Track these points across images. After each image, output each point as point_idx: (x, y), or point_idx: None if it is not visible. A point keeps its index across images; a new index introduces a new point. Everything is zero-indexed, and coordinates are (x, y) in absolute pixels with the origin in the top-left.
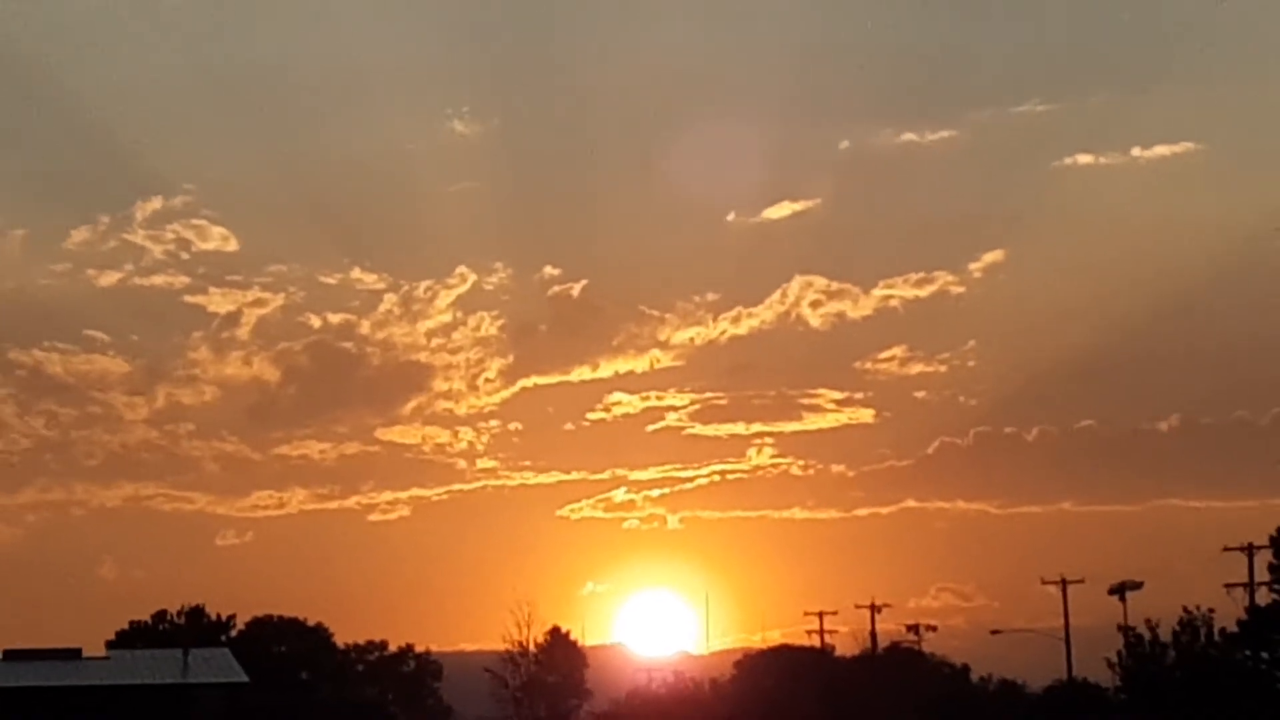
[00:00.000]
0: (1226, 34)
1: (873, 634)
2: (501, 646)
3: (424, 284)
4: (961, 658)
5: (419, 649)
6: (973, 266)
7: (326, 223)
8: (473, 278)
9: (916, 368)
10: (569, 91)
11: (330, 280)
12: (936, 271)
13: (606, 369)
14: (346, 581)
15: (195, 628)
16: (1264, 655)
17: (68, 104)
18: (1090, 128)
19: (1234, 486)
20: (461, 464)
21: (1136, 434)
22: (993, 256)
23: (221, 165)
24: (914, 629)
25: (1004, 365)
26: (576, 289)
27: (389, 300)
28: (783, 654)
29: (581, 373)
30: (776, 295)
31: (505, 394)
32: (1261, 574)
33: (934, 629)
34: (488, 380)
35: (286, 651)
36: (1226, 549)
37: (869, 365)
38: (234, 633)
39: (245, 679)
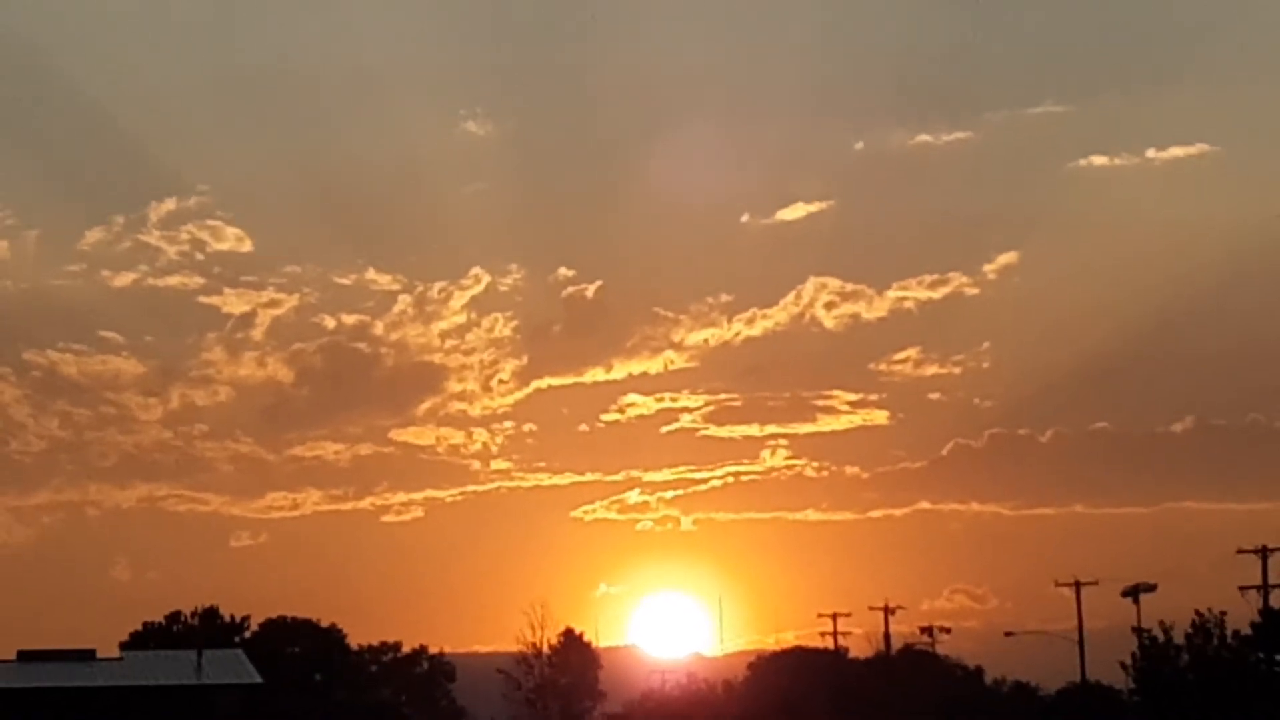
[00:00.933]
0: (1242, 35)
1: (886, 636)
2: (515, 648)
3: (438, 285)
4: (975, 660)
5: (432, 650)
6: (987, 268)
7: (341, 224)
8: (487, 279)
9: (931, 369)
10: (583, 92)
11: (345, 281)
12: (951, 273)
13: (620, 370)
14: (360, 583)
15: (209, 629)
16: (1277, 658)
17: (82, 105)
18: (1105, 129)
19: (1248, 489)
20: (475, 465)
21: (1150, 436)
22: (1007, 258)
23: (236, 166)
24: (928, 631)
25: (1018, 367)
26: (591, 290)
27: (403, 301)
28: (796, 656)
29: (595, 374)
30: (791, 297)
31: (519, 395)
32: (1275, 576)
33: (948, 631)
34: (502, 381)
35: (300, 653)
36: (1240, 551)
37: (883, 367)
38: (248, 634)
39: (259, 680)
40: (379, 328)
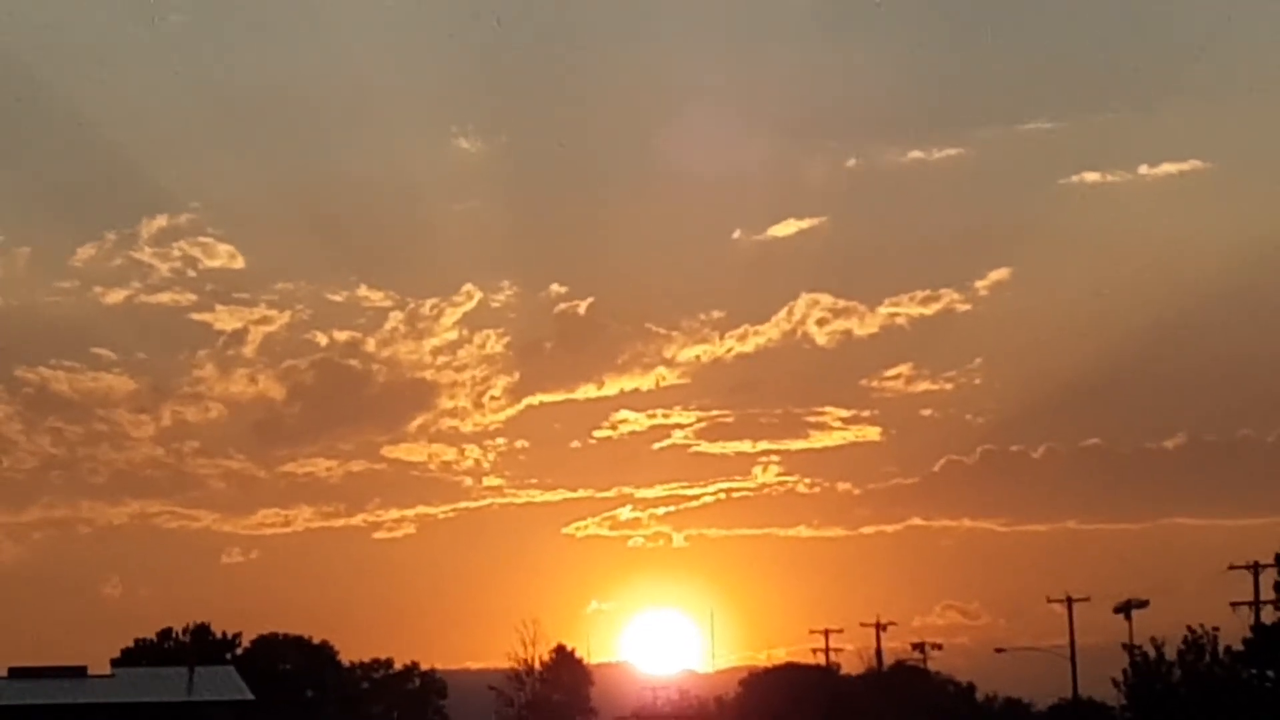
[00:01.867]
0: (1234, 52)
1: (878, 652)
2: (507, 664)
3: (430, 301)
4: (967, 676)
5: (424, 667)
6: (979, 284)
7: (333, 240)
8: (479, 295)
9: (922, 386)
10: (574, 108)
11: (336, 298)
12: (943, 289)
13: (612, 387)
14: (352, 599)
15: (201, 646)
16: (1269, 674)
17: (74, 121)
18: (1097, 145)
19: (1239, 505)
20: (467, 482)
21: (1142, 452)
22: (999, 274)
23: (227, 183)
24: (919, 647)
25: (1010, 383)
26: (582, 307)
27: (395, 318)
28: (788, 672)
29: (587, 390)
30: (783, 313)
31: (511, 412)
32: (1267, 592)
33: (939, 647)
34: (493, 398)
35: (292, 669)
36: (1232, 567)
37: (875, 383)
38: (239, 650)
39: (251, 697)
40: (371, 344)
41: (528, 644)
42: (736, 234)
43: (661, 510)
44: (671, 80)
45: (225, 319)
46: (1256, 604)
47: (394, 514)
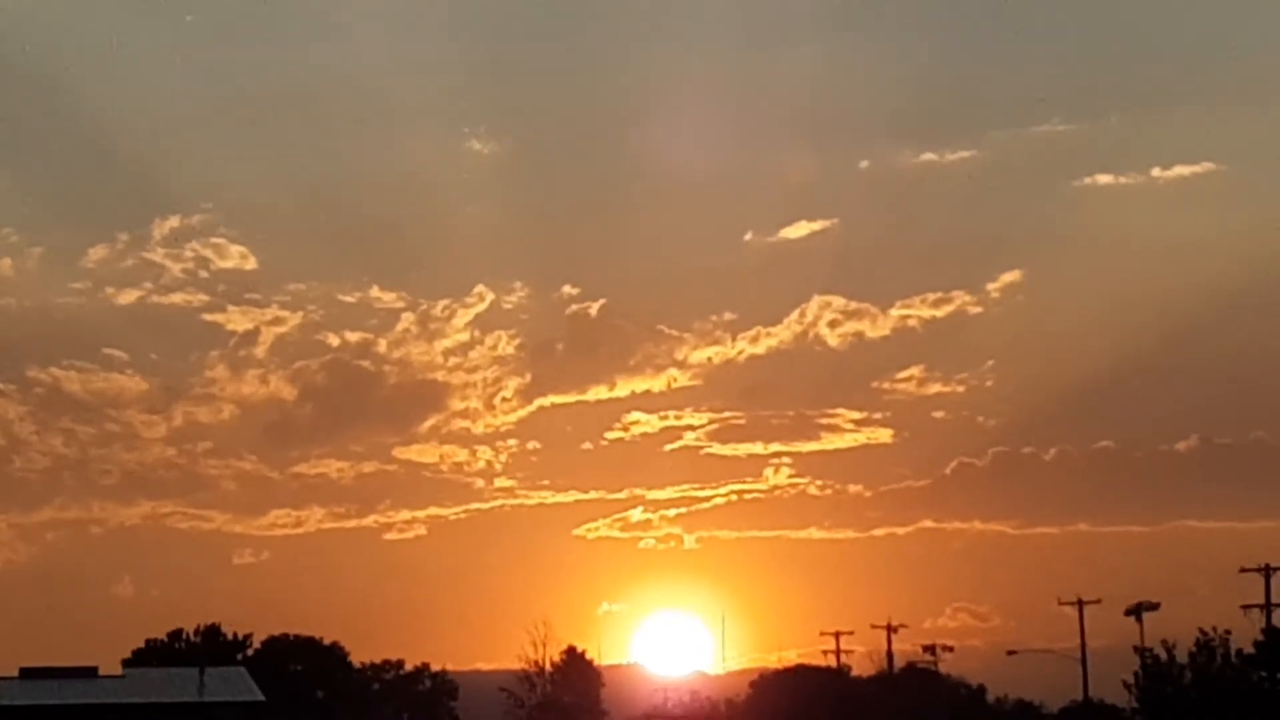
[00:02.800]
0: (1248, 54)
1: (889, 654)
2: (518, 666)
3: (442, 303)
4: (978, 678)
5: (435, 668)
6: (991, 286)
7: (345, 241)
8: (490, 296)
9: (934, 388)
10: (586, 110)
11: (348, 299)
12: (955, 291)
13: (624, 388)
14: (363, 600)
15: (211, 646)
16: None
17: (86, 122)
18: (1110, 148)
19: (1252, 507)
20: (479, 483)
21: (1154, 455)
22: (1011, 276)
23: (240, 184)
24: (930, 649)
25: (1022, 385)
26: (594, 308)
27: (407, 319)
28: (799, 674)
29: (599, 392)
30: (794, 315)
31: (523, 413)
32: (1278, 595)
33: (950, 649)
34: (505, 399)
35: (303, 670)
36: (1243, 570)
37: (887, 385)
38: (250, 651)
39: (261, 698)
40: (382, 345)
41: (539, 645)
42: (748, 236)
43: (673, 512)
44: (684, 82)
45: (237, 320)
46: (1268, 607)
47: (405, 515)
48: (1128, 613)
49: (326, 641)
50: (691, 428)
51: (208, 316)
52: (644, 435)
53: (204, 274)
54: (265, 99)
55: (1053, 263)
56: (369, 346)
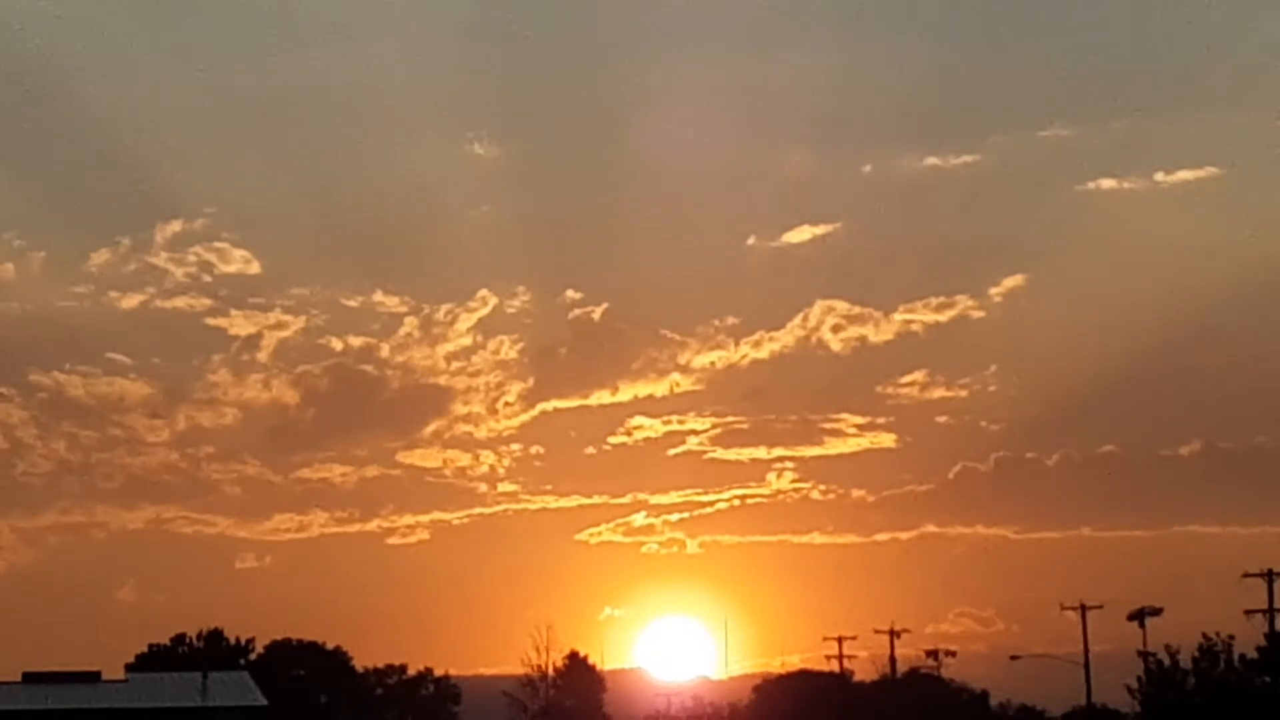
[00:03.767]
0: (1251, 59)
1: (892, 659)
2: (520, 670)
3: (445, 307)
4: (981, 683)
5: (438, 673)
6: (994, 291)
7: (348, 246)
8: (494, 301)
9: (937, 392)
10: (589, 114)
11: (351, 303)
12: (958, 296)
13: (627, 393)
14: (366, 605)
15: (214, 651)
16: None
17: (89, 126)
18: (1113, 152)
19: (1255, 512)
20: (482, 488)
21: (1157, 459)
22: (1014, 281)
23: (243, 188)
24: (933, 654)
25: (1025, 390)
26: (597, 312)
27: (409, 323)
28: (801, 679)
29: (602, 396)
30: (798, 319)
31: (525, 417)
32: None
33: (953, 654)
34: (508, 404)
35: (305, 675)
36: (1246, 575)
37: (890, 390)
38: (253, 656)
39: (264, 702)
40: (385, 350)
41: (541, 650)
42: (751, 240)
43: (675, 517)
44: (687, 86)
45: (240, 324)
46: (1271, 612)
47: (408, 520)
48: (1131, 618)
49: (329, 646)
50: (694, 432)
51: (211, 321)
52: (647, 440)
53: (207, 278)
54: (269, 104)
55: (1056, 267)
56: (372, 351)
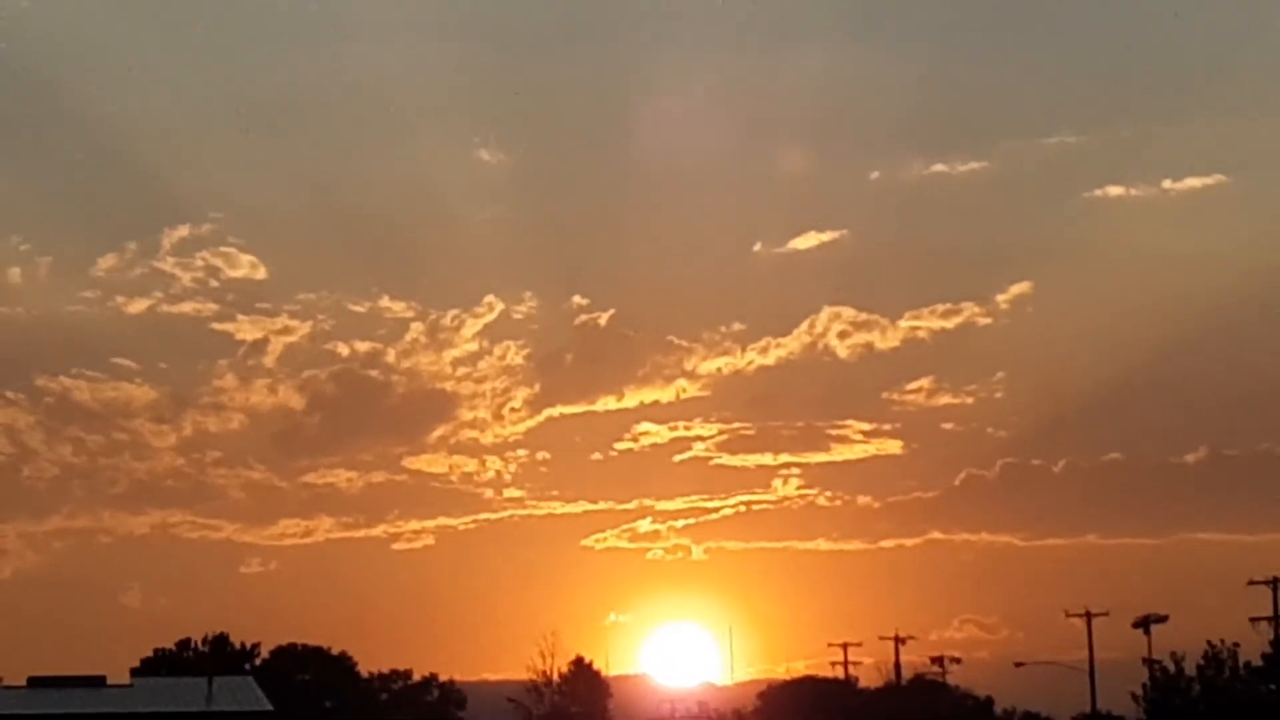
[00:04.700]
0: (1258, 65)
1: (897, 665)
2: (525, 676)
3: (451, 313)
4: (985, 690)
5: (443, 678)
6: (1000, 298)
7: (354, 251)
8: (500, 307)
9: (944, 399)
10: (596, 119)
11: (358, 308)
12: (964, 303)
13: (633, 399)
14: (371, 610)
15: (219, 656)
16: None
17: (95, 130)
18: (1120, 159)
19: (1260, 520)
20: (488, 493)
21: (1163, 467)
22: (1020, 288)
23: (249, 193)
24: (938, 661)
25: (1031, 397)
26: (603, 318)
27: (416, 329)
28: (806, 685)
29: (608, 402)
30: (804, 326)
31: (531, 423)
32: None
33: (958, 661)
34: (514, 409)
35: (311, 680)
36: (1251, 583)
37: (896, 396)
38: (258, 661)
39: (269, 708)
40: (391, 355)
41: (546, 656)
42: (758, 246)
43: (681, 523)
44: (693, 92)
45: (247, 329)
46: (1276, 619)
47: (414, 525)
48: (1136, 625)
49: (334, 651)
50: (700, 438)
51: (217, 326)
52: (653, 446)
53: (213, 283)
54: (275, 108)
55: (1062, 274)
56: (378, 356)
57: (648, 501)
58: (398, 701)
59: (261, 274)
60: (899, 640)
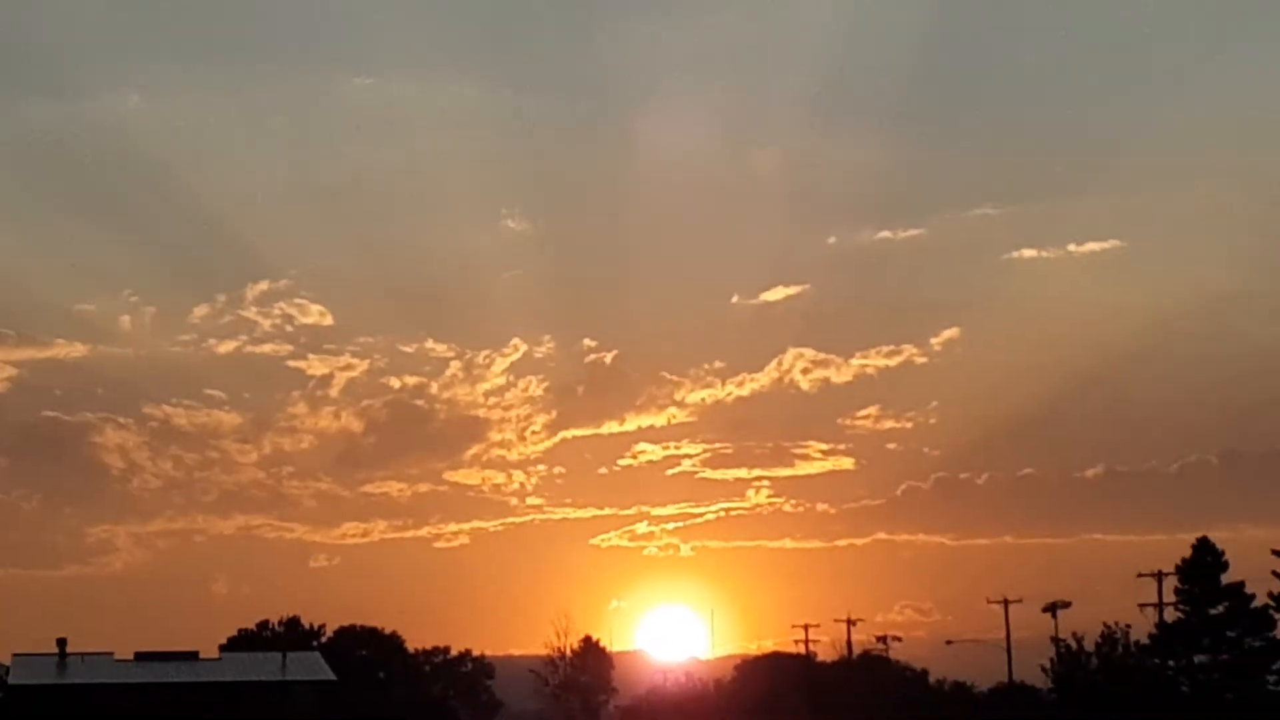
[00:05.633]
0: (1145, 148)
1: (849, 643)
2: (543, 651)
3: (484, 352)
4: (922, 663)
5: (476, 653)
6: (934, 341)
7: (404, 302)
8: (524, 348)
9: (888, 424)
10: (602, 196)
11: (407, 349)
12: (904, 345)
13: (632, 423)
14: (417, 597)
15: (292, 635)
16: (1170, 663)
17: (191, 203)
18: (1033, 227)
19: (1147, 523)
20: (513, 501)
21: (1067, 480)
22: (950, 333)
23: (319, 254)
24: (883, 639)
25: (959, 423)
26: (609, 357)
27: (454, 366)
28: (774, 659)
29: (611, 426)
30: (773, 364)
31: (549, 443)
32: (1169, 596)
33: (899, 639)
34: (534, 432)
35: (367, 655)
36: (1140, 575)
37: (849, 421)
38: (324, 639)
39: (333, 677)
40: (434, 387)
41: (561, 635)
42: (735, 298)
43: (672, 525)
44: (681, 173)
45: (316, 366)
46: (1160, 606)
47: (452, 527)
48: (1045, 610)
49: (387, 631)
50: (688, 456)
51: (291, 363)
52: (649, 462)
53: (289, 328)
54: (341, 186)
55: (985, 322)
56: (423, 388)
57: (644, 508)
58: (438, 673)
59: (328, 321)
60: (850, 622)
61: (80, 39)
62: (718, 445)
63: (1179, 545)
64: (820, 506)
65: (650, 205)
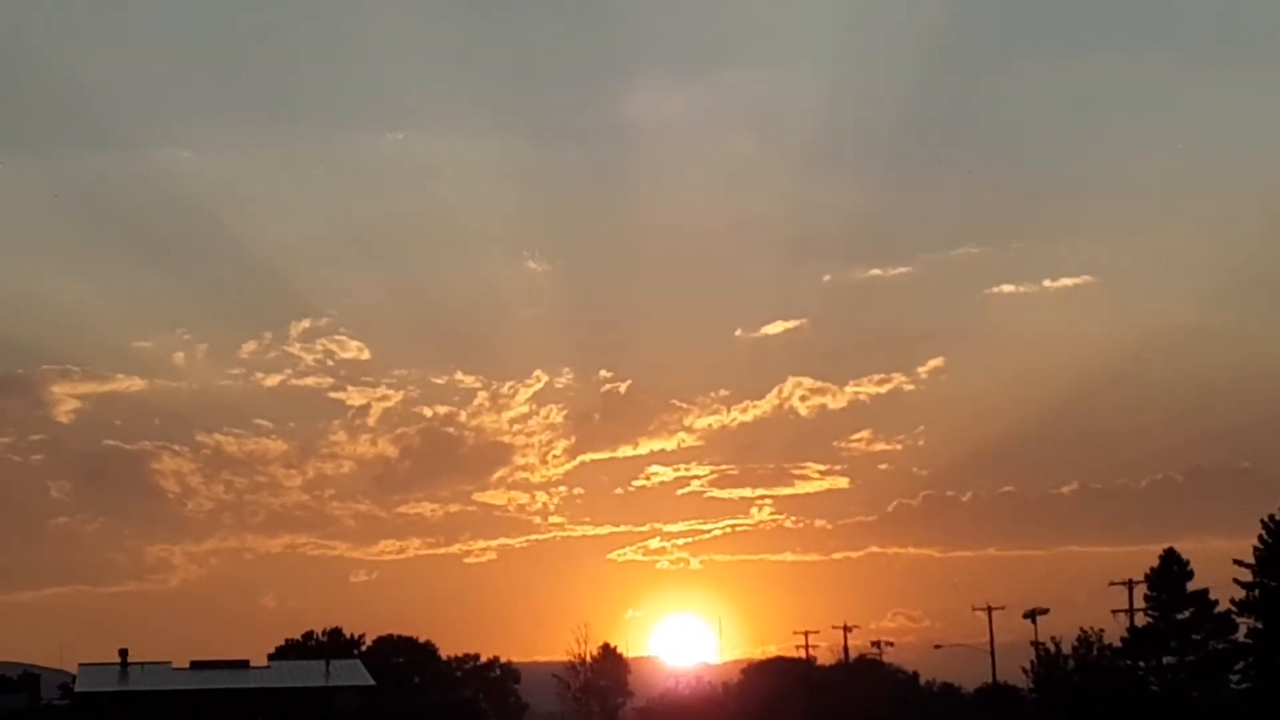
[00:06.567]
0: (1115, 192)
1: (845, 648)
2: (565, 658)
3: (508, 383)
4: (912, 667)
5: (503, 660)
6: (921, 370)
7: (435, 337)
8: (545, 378)
9: (880, 446)
10: (616, 239)
11: (438, 380)
12: (894, 373)
13: (645, 447)
14: (449, 609)
15: (335, 644)
16: (1141, 664)
17: (240, 248)
18: (1011, 265)
19: (1119, 536)
20: (537, 520)
21: (1045, 496)
22: (936, 362)
23: (356, 294)
24: (877, 644)
25: (945, 444)
26: (623, 387)
27: (482, 396)
28: (777, 663)
29: (626, 450)
30: (774, 391)
31: (569, 466)
32: (1139, 603)
33: (892, 644)
34: (555, 456)
35: (403, 662)
36: (1113, 584)
37: (844, 444)
38: (364, 648)
39: (372, 683)
40: (463, 416)
41: (581, 642)
42: (738, 332)
43: (682, 541)
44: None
45: (354, 397)
46: (1131, 611)
47: (481, 544)
48: (1025, 616)
49: (421, 640)
50: (697, 477)
51: (332, 394)
52: (661, 483)
53: (329, 362)
54: (375, 232)
55: (968, 352)
56: (453, 417)
57: (657, 525)
58: (469, 678)
59: (366, 355)
60: (847, 629)
61: (138, 99)
62: (724, 467)
63: (1148, 556)
64: (818, 522)
65: (660, 247)
